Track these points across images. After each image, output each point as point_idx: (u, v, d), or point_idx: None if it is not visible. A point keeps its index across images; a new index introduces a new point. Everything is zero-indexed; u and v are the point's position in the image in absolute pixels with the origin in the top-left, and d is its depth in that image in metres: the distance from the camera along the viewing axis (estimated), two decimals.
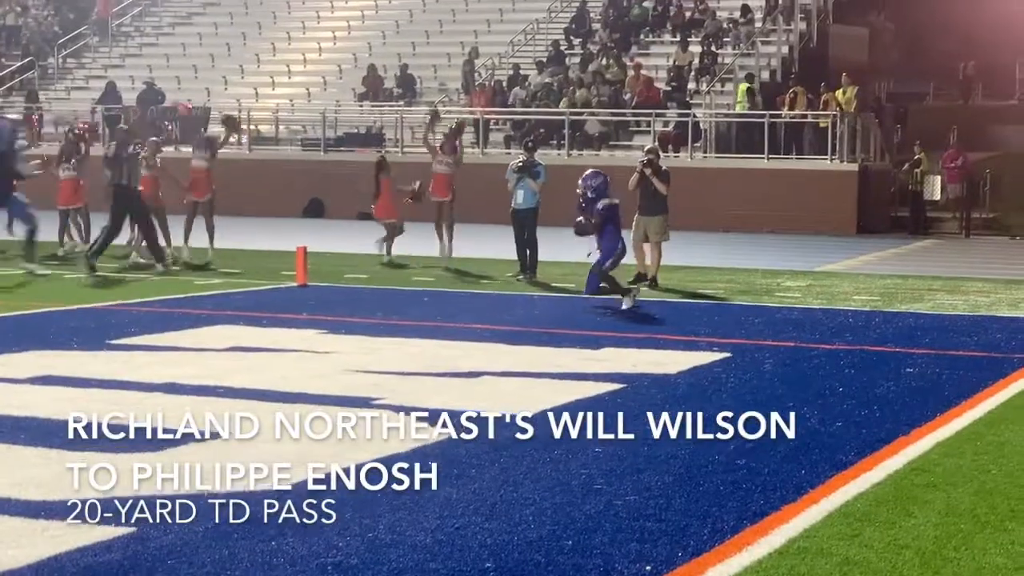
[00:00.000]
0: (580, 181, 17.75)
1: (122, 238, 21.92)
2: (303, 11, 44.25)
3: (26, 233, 20.61)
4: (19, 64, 43.61)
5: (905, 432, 10.11)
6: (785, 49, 37.01)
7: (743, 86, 33.81)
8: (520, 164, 20.92)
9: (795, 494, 8.20)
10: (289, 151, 36.67)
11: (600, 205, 17.41)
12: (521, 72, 37.03)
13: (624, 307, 17.04)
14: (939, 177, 33.03)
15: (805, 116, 33.00)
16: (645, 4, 39.43)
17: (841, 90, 33.11)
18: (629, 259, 18.59)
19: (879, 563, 6.98)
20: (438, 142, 24.52)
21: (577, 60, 37.53)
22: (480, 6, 41.99)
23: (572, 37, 39.17)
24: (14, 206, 20.95)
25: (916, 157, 32.71)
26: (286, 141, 36.74)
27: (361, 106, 37.88)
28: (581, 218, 17.59)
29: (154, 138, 26.27)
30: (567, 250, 24.42)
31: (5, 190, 21.23)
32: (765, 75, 35.78)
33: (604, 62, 36.76)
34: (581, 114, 34.46)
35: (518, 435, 9.76)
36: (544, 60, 37.66)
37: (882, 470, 8.91)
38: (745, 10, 37.52)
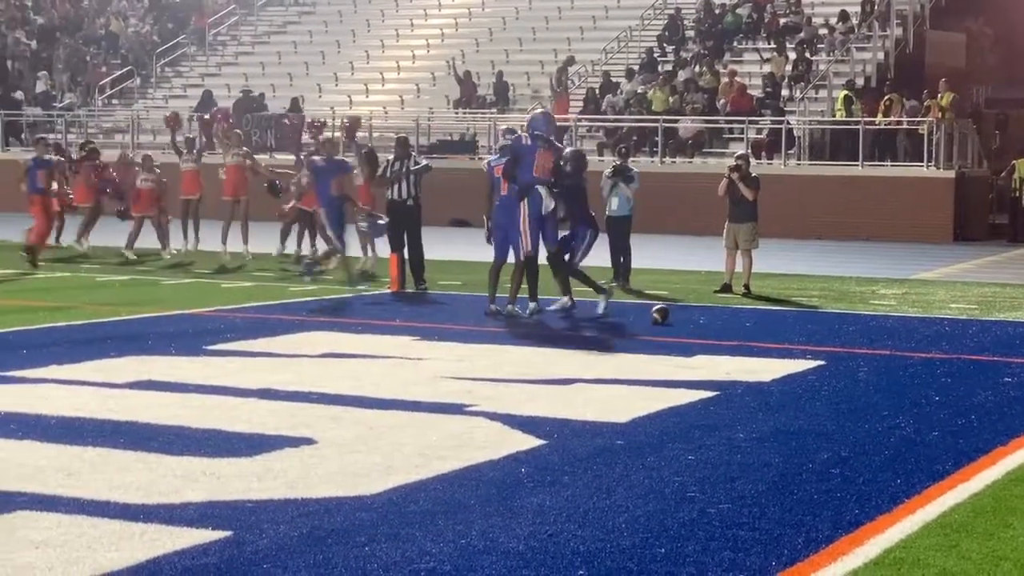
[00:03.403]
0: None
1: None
2: (397, 19, 44.49)
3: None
4: (119, 72, 44.18)
5: (1003, 442, 9.98)
6: (881, 55, 36.68)
7: (842, 93, 33.50)
8: (613, 169, 20.89)
9: (891, 504, 8.12)
10: (382, 158, 36.73)
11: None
12: (612, 80, 36.99)
13: (599, 311, 16.82)
14: None
15: (901, 123, 32.69)
16: (739, 11, 39.24)
17: (940, 96, 32.75)
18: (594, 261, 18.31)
19: (977, 575, 6.90)
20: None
21: (670, 67, 37.43)
22: (574, 14, 41.99)
23: (665, 45, 39.07)
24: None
25: (1014, 163, 32.28)
26: (379, 148, 36.89)
27: (455, 113, 38.00)
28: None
29: (238, 131, 26.80)
30: (661, 257, 24.38)
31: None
32: (860, 81, 35.47)
33: (697, 69, 36.65)
34: (675, 121, 34.37)
35: (611, 442, 9.77)
36: (637, 67, 37.59)
37: (980, 480, 8.80)
38: (843, 16, 37.24)
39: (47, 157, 22.97)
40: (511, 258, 16.87)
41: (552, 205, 16.64)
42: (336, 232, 19.40)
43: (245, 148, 25.29)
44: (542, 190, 16.51)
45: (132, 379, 11.99)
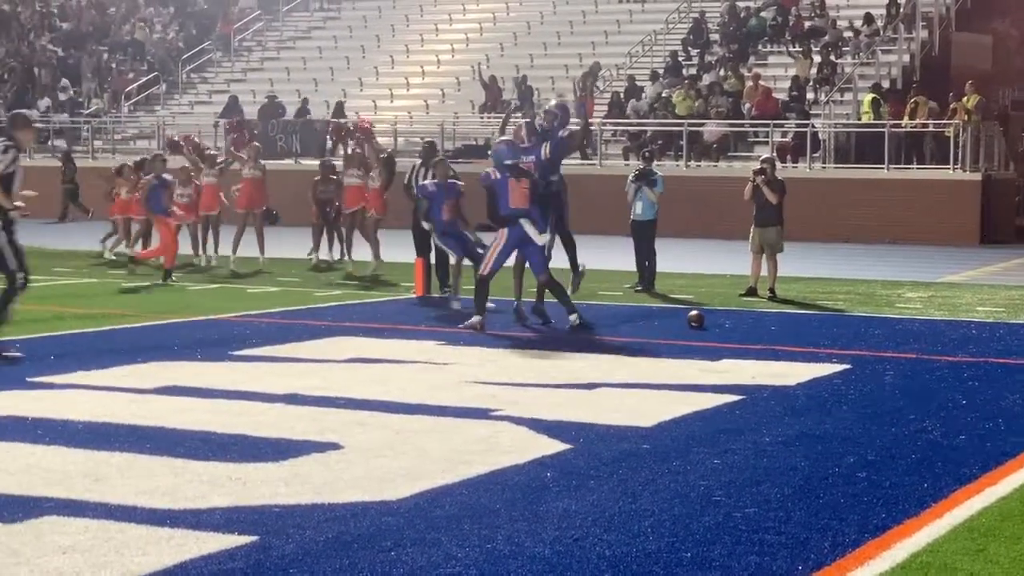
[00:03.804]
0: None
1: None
2: (422, 24, 44.55)
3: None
4: (145, 79, 44.34)
5: None
6: (906, 58, 36.58)
7: (870, 96, 33.41)
8: (637, 172, 20.88)
9: (918, 508, 8.10)
10: (407, 163, 36.80)
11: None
12: (637, 83, 36.97)
13: (571, 324, 16.10)
14: None
15: (927, 125, 32.59)
16: (763, 15, 39.19)
17: (965, 98, 32.65)
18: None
19: None
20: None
21: (695, 71, 37.40)
22: (598, 18, 42.00)
23: (690, 48, 39.03)
24: None
25: None
26: (405, 153, 36.96)
27: (480, 118, 38.02)
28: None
29: (256, 144, 26.84)
30: (686, 261, 24.36)
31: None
32: (886, 84, 35.38)
33: (722, 73, 36.61)
34: (700, 125, 34.34)
35: (636, 446, 9.76)
36: (661, 71, 37.56)
37: (1008, 484, 8.77)
38: (868, 19, 37.15)
39: (166, 176, 22.57)
40: (508, 261, 16.79)
41: (544, 241, 16.26)
42: (468, 253, 18.13)
43: (262, 163, 25.13)
44: (525, 224, 16.01)
45: (159, 384, 12.03)
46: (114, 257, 25.04)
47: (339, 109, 38.33)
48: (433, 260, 19.61)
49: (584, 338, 15.32)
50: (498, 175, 16.23)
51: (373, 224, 23.44)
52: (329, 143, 36.06)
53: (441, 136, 35.75)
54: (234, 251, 23.70)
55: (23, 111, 16.91)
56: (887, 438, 10.12)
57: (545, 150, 16.71)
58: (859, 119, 33.67)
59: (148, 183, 22.57)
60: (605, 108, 36.58)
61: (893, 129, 32.18)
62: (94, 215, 25.58)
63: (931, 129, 32.51)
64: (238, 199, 24.50)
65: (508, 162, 16.23)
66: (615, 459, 9.31)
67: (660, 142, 34.06)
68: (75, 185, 36.68)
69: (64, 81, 44.95)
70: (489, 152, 16.73)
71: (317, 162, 27.02)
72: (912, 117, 32.68)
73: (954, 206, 30.79)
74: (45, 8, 51.11)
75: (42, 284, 20.79)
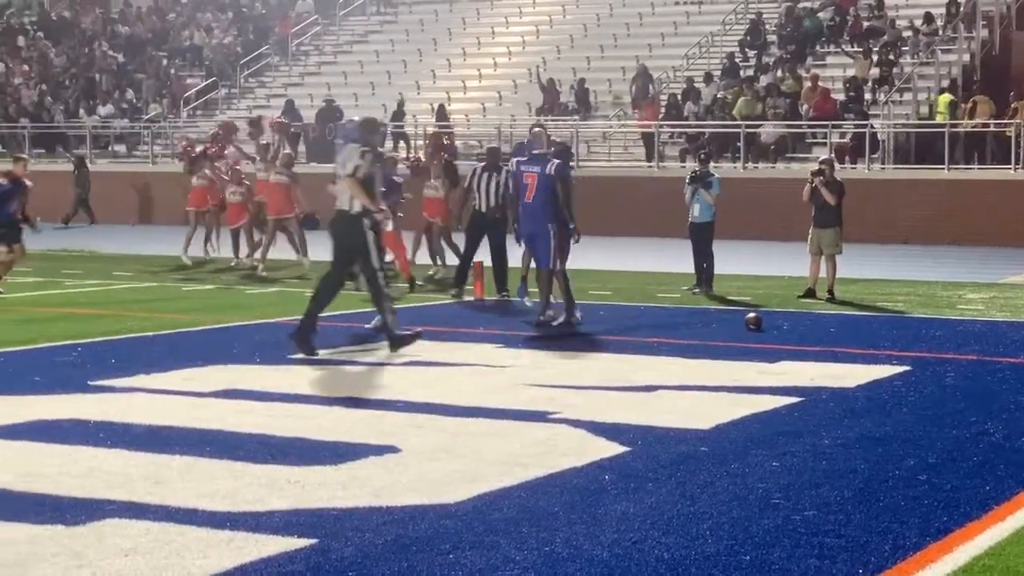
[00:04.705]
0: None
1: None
2: (479, 27, 44.60)
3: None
4: (203, 84, 44.62)
5: None
6: (966, 57, 36.31)
7: (946, 97, 33.06)
8: (693, 174, 20.82)
9: (980, 511, 8.04)
10: (466, 166, 36.83)
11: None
12: (695, 85, 36.88)
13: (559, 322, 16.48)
14: None
15: (988, 125, 32.33)
16: (820, 15, 39.00)
17: None
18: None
19: None
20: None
21: (752, 72, 37.26)
22: (655, 20, 41.92)
23: (747, 49, 38.90)
24: None
25: None
26: (463, 156, 37.02)
27: (538, 120, 37.96)
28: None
29: (288, 151, 26.84)
30: (744, 262, 24.27)
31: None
32: (945, 84, 35.12)
33: (779, 74, 36.47)
34: (757, 126, 34.21)
35: (694, 449, 9.74)
36: (719, 73, 37.45)
37: None
38: (928, 18, 36.89)
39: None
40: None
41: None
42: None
43: (293, 170, 24.84)
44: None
45: (218, 388, 12.10)
46: (257, 266, 24.00)
47: (399, 112, 38.38)
48: (491, 263, 19.62)
49: (641, 341, 15.28)
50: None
51: (441, 232, 23.31)
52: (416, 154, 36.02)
53: (499, 139, 35.75)
54: (263, 257, 23.69)
55: (373, 116, 16.97)
56: (948, 440, 10.05)
57: (550, 169, 16.51)
58: (933, 119, 33.33)
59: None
60: (662, 110, 36.49)
61: (953, 130, 31.93)
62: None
63: (992, 129, 32.23)
64: (268, 206, 24.20)
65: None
66: (673, 461, 9.29)
67: (713, 146, 33.90)
68: (86, 190, 37.83)
69: (116, 96, 45.25)
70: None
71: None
72: (971, 117, 32.42)
73: (1015, 206, 30.46)
74: (106, 15, 51.53)
75: (102, 288, 20.97)
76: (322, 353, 14.10)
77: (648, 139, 35.03)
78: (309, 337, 14.02)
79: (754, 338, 15.60)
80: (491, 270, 19.82)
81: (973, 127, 32.34)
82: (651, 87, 37.47)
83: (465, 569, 6.87)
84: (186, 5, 51.67)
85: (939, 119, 32.92)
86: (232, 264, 24.49)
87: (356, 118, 19.98)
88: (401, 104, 39.07)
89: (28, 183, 20.59)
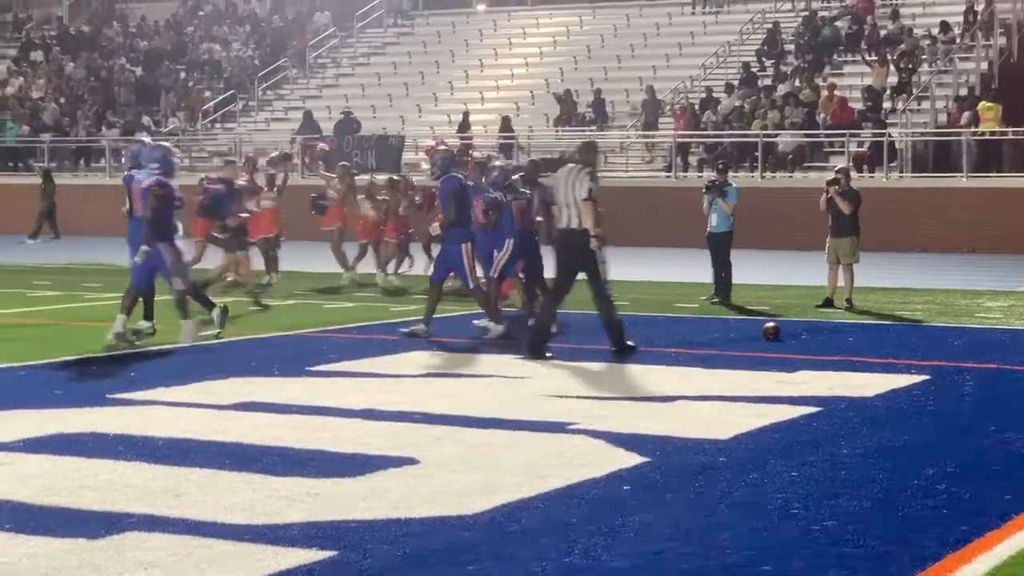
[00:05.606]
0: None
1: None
2: (496, 38, 44.65)
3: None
4: (221, 97, 44.72)
5: None
6: (984, 65, 36.25)
7: (988, 105, 32.76)
8: (709, 184, 20.80)
9: (999, 520, 8.02)
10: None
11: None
12: (713, 95, 36.86)
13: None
14: None
15: (1005, 133, 32.25)
16: (837, 24, 38.97)
17: None
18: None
19: None
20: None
21: (769, 82, 37.23)
22: (671, 30, 41.93)
23: (764, 59, 38.88)
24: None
25: None
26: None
27: (555, 132, 38.03)
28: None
29: (345, 163, 26.78)
30: (762, 272, 24.25)
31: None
32: (963, 91, 35.06)
33: (797, 83, 36.44)
34: (775, 135, 34.17)
35: (713, 459, 9.73)
36: (736, 82, 37.43)
37: None
38: (945, 27, 36.84)
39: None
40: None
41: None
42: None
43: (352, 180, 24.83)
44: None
45: (237, 400, 12.13)
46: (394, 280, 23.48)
47: (464, 123, 38.09)
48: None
49: (659, 352, 15.28)
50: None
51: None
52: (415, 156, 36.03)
53: (516, 150, 35.79)
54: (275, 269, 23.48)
55: (593, 140, 17.54)
56: (967, 450, 10.03)
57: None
58: (977, 127, 33.16)
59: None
60: (687, 118, 36.44)
61: (971, 138, 31.85)
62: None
63: (1009, 137, 32.16)
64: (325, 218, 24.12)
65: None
66: (692, 472, 9.29)
67: (730, 156, 33.87)
68: (53, 204, 37.60)
69: (143, 118, 45.35)
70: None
71: (388, 177, 26.62)
72: (977, 124, 32.31)
73: None
74: (125, 28, 51.70)
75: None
76: (340, 365, 14.14)
77: (676, 148, 34.76)
78: (541, 346, 14.91)
79: (772, 348, 15.58)
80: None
81: (991, 135, 32.22)
82: (660, 106, 37.28)
83: None
84: (203, 18, 51.78)
85: (985, 127, 32.54)
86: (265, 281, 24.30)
87: (148, 140, 19.97)
88: (466, 115, 38.97)
89: (242, 184, 20.70)
